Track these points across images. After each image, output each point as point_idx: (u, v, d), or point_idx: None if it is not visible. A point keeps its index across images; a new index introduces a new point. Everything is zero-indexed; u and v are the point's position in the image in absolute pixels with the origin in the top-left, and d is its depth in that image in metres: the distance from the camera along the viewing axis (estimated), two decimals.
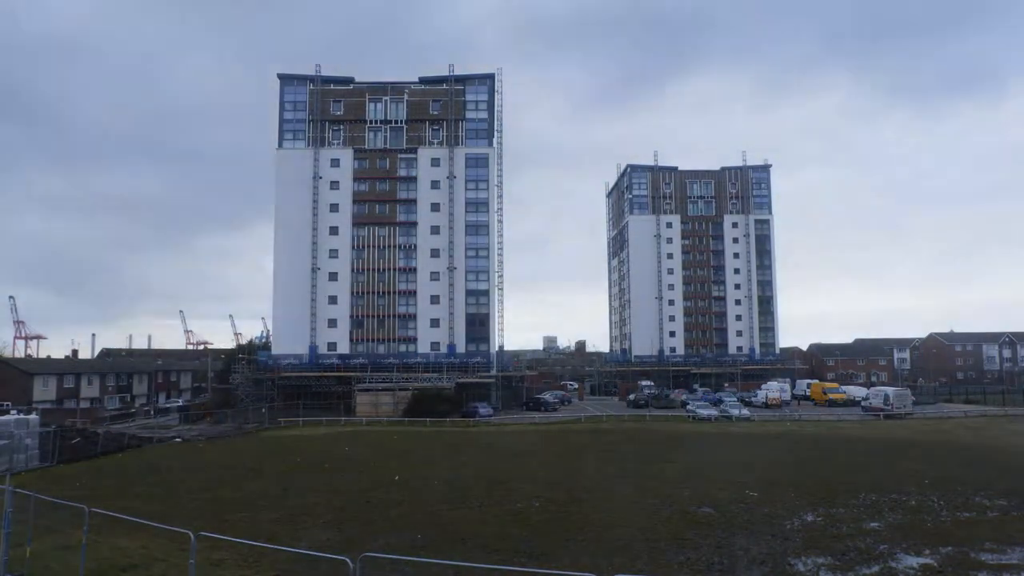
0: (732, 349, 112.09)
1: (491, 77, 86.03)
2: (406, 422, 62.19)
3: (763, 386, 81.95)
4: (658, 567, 15.88)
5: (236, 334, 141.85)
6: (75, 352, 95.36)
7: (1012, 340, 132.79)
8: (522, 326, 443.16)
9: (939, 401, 79.42)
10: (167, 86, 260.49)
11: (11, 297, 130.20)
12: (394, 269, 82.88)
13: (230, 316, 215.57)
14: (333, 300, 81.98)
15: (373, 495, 25.66)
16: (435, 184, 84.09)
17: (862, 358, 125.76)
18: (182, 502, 24.78)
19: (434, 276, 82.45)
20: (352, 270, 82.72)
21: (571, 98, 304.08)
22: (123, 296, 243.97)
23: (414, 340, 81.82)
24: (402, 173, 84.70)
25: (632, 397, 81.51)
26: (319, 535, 19.50)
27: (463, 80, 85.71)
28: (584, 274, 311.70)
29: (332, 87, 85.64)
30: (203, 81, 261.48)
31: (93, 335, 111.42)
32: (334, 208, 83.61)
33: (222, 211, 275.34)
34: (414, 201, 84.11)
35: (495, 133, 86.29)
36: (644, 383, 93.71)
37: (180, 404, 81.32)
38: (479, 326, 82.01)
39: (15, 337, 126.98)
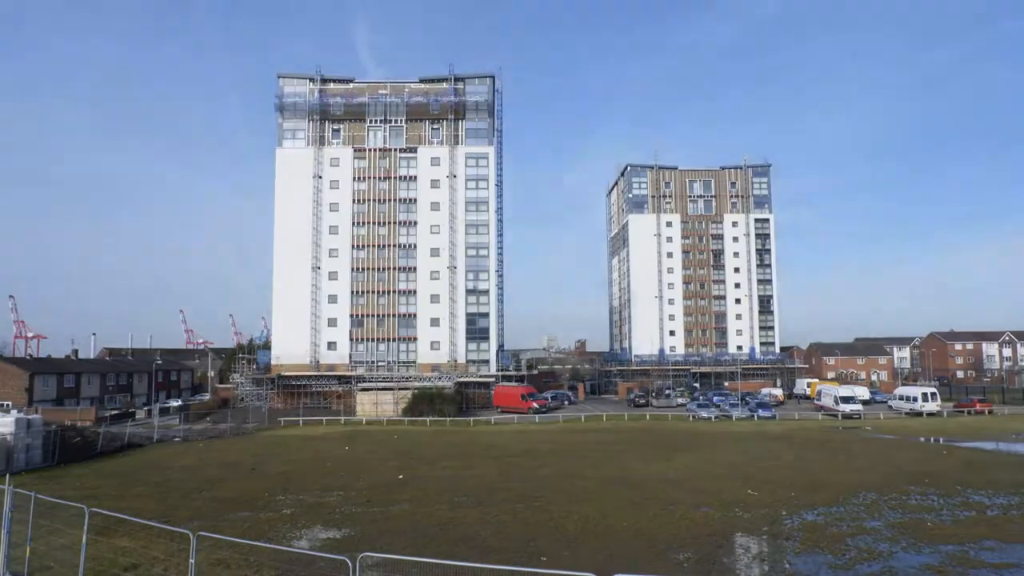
0: (732, 348, 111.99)
1: (491, 77, 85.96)
2: (406, 422, 62.23)
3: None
4: (658, 567, 15.88)
5: (236, 333, 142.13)
6: (75, 352, 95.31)
7: (1012, 339, 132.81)
8: (522, 326, 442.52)
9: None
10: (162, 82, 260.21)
11: (11, 297, 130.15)
12: (394, 268, 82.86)
13: (230, 316, 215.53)
14: (333, 299, 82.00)
15: (373, 495, 25.70)
16: (435, 183, 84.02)
17: (862, 357, 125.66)
18: (182, 502, 24.79)
19: (434, 275, 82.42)
20: (352, 269, 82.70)
21: (570, 96, 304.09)
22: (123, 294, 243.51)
23: (414, 339, 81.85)
24: (402, 172, 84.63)
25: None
26: (319, 535, 19.54)
27: (463, 79, 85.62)
28: (584, 273, 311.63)
29: (332, 86, 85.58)
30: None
31: (93, 335, 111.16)
32: (334, 207, 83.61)
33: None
34: (414, 200, 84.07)
35: (495, 132, 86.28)
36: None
37: (180, 404, 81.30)
38: (479, 325, 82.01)
39: (15, 337, 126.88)
